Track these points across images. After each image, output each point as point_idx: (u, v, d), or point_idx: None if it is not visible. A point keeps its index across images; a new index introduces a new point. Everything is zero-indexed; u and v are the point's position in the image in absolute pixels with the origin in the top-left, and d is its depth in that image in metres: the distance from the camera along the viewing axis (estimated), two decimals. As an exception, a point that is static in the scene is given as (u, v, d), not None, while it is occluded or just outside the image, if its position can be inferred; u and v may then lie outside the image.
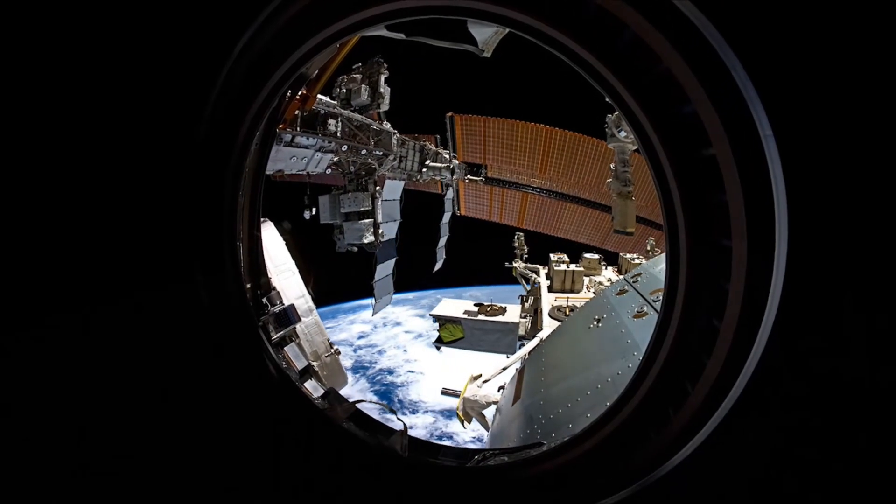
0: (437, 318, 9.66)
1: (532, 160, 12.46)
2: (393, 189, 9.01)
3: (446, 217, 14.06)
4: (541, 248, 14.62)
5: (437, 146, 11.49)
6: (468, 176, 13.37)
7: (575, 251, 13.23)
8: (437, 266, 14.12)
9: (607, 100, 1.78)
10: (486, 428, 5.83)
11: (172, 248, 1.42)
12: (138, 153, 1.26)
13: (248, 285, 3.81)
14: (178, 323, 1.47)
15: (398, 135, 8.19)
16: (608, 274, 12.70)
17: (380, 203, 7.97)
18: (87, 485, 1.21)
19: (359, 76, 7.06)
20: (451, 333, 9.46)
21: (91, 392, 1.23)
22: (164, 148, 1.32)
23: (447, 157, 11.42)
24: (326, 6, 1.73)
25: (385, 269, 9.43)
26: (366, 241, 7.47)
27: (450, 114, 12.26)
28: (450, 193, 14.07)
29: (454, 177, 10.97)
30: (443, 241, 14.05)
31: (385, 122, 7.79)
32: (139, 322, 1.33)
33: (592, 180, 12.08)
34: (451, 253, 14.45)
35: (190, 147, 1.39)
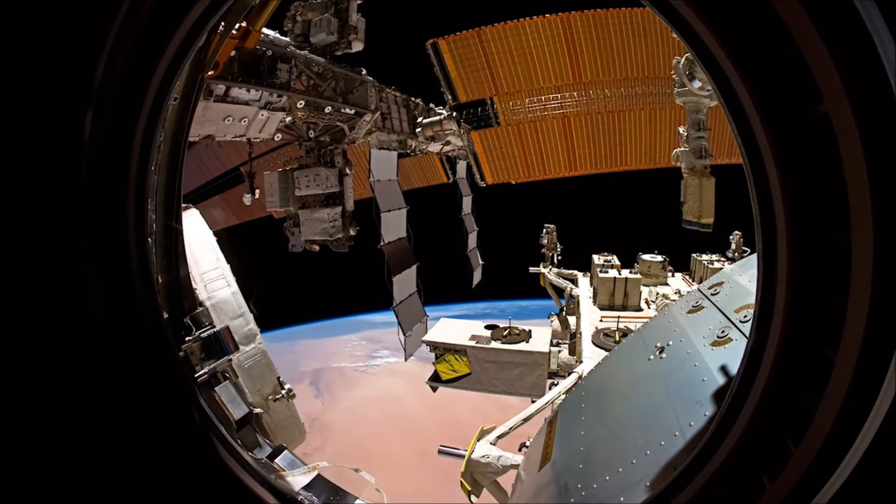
0: (432, 346, 9.65)
1: (559, 66, 12.34)
2: (384, 164, 8.46)
3: (467, 204, 13.58)
4: (586, 245, 14.46)
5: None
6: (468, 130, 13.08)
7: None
8: (476, 278, 13.68)
9: (674, 35, 1.78)
10: (503, 502, 5.84)
11: (53, 245, 1.42)
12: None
13: (160, 283, 3.80)
14: (55, 356, 1.45)
15: (375, 83, 8.14)
16: (676, 283, 12.76)
17: (371, 185, 7.79)
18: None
19: (320, 3, 7.07)
20: (453, 368, 9.45)
21: None
22: (37, 102, 1.32)
23: (444, 111, 11.41)
24: None
25: (406, 285, 8.40)
26: (331, 236, 7.47)
27: (431, 41, 12.00)
28: (461, 170, 13.78)
29: (461, 130, 10.80)
30: (473, 240, 13.54)
31: (363, 70, 7.80)
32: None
33: (642, 63, 11.96)
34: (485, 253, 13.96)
35: (76, 103, 1.39)
